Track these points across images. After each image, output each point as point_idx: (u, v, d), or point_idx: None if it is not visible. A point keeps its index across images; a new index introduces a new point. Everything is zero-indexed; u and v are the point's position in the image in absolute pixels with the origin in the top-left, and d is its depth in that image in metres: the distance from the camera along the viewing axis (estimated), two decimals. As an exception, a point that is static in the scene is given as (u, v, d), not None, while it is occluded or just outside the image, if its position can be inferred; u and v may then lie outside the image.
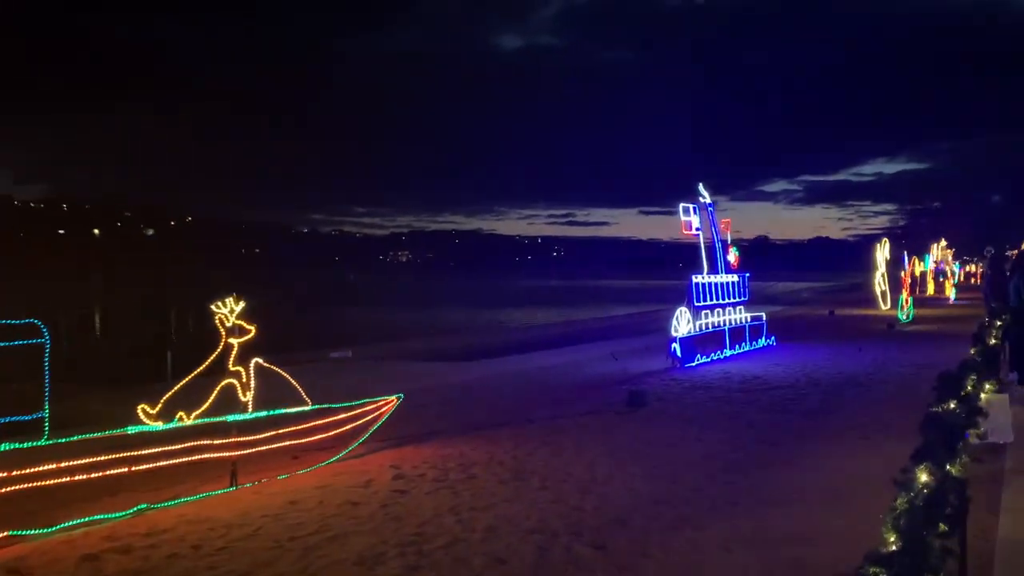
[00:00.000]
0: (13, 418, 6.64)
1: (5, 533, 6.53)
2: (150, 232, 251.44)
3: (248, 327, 8.59)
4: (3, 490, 6.52)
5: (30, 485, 6.71)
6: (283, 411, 8.99)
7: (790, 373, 16.88)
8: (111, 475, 7.30)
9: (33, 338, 6.73)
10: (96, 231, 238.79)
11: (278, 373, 8.92)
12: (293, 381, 9.07)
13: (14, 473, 6.58)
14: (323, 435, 9.38)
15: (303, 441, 9.15)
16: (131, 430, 7.57)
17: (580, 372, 17.68)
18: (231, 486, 8.31)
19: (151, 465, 7.64)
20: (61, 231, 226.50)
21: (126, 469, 7.41)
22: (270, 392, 8.95)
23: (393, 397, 10.34)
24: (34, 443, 6.78)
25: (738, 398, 13.85)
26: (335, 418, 9.50)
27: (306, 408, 9.21)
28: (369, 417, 9.95)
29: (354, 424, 9.73)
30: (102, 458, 7.23)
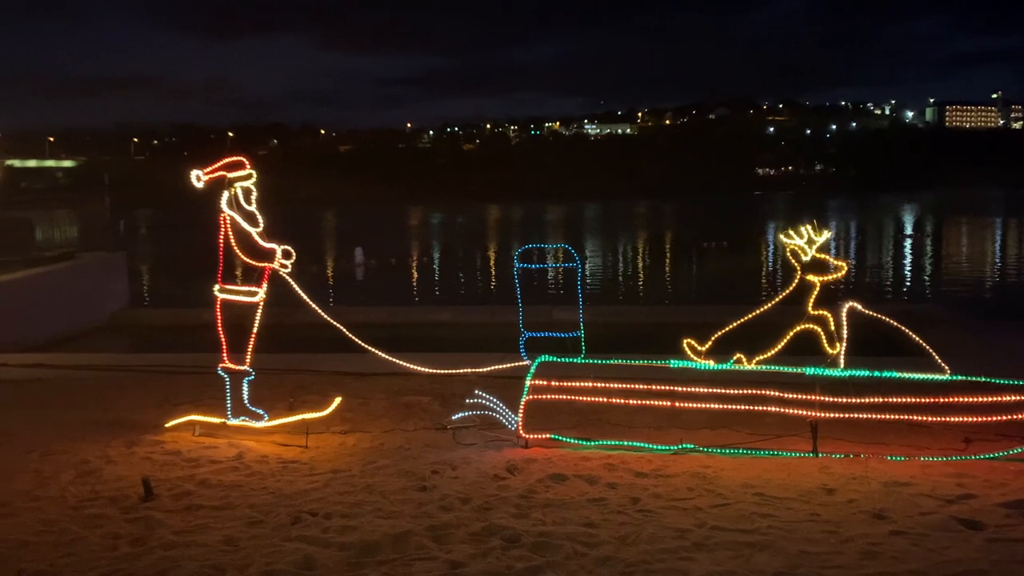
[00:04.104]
0: (550, 334, 7.35)
1: (547, 436, 7.40)
2: None
3: (836, 263, 6.91)
4: (543, 397, 7.36)
5: (565, 397, 7.35)
6: (899, 375, 6.90)
7: None
8: (649, 405, 7.24)
9: (567, 262, 7.22)
10: None
11: (893, 326, 6.90)
12: (918, 339, 6.86)
13: (553, 383, 7.34)
14: (965, 418, 6.80)
15: (929, 419, 6.85)
16: (673, 364, 7.24)
17: None
18: (811, 452, 7.01)
19: (699, 405, 7.20)
20: None
21: (668, 403, 7.21)
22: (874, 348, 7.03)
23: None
24: (569, 359, 7.35)
25: None
26: (993, 399, 6.72)
27: (940, 377, 6.82)
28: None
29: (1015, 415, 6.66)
30: (646, 387, 7.23)
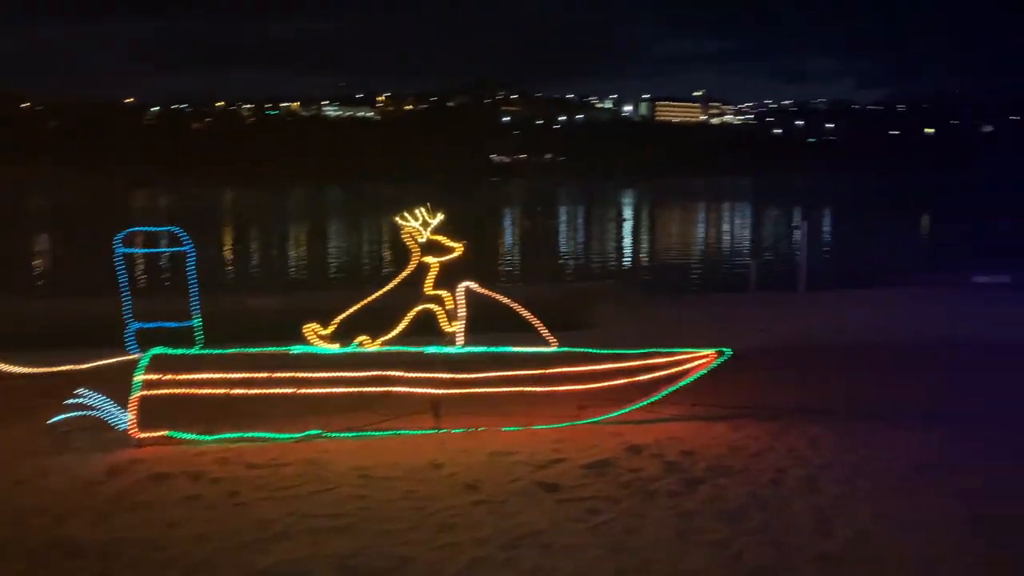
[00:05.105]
0: (162, 324, 6.91)
1: (163, 433, 6.93)
2: (987, 128, 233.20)
3: (451, 244, 7.10)
4: (157, 392, 6.87)
5: (182, 391, 6.92)
6: (511, 349, 7.25)
7: None
8: (273, 394, 7.02)
9: (176, 246, 6.82)
10: (929, 130, 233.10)
11: (505, 304, 7.20)
12: (528, 314, 7.22)
13: (167, 376, 6.88)
14: (570, 387, 7.30)
15: (539, 390, 7.27)
16: (296, 349, 7.09)
17: None
18: (433, 428, 7.16)
19: (324, 390, 7.09)
20: (894, 132, 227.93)
21: (292, 390, 7.03)
22: (506, 326, 7.36)
23: (712, 351, 7.35)
24: (185, 351, 6.95)
25: None
26: (593, 367, 7.25)
27: (548, 350, 7.25)
28: (651, 376, 7.31)
29: (622, 380, 7.28)
30: (269, 375, 6.99)
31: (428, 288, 7.11)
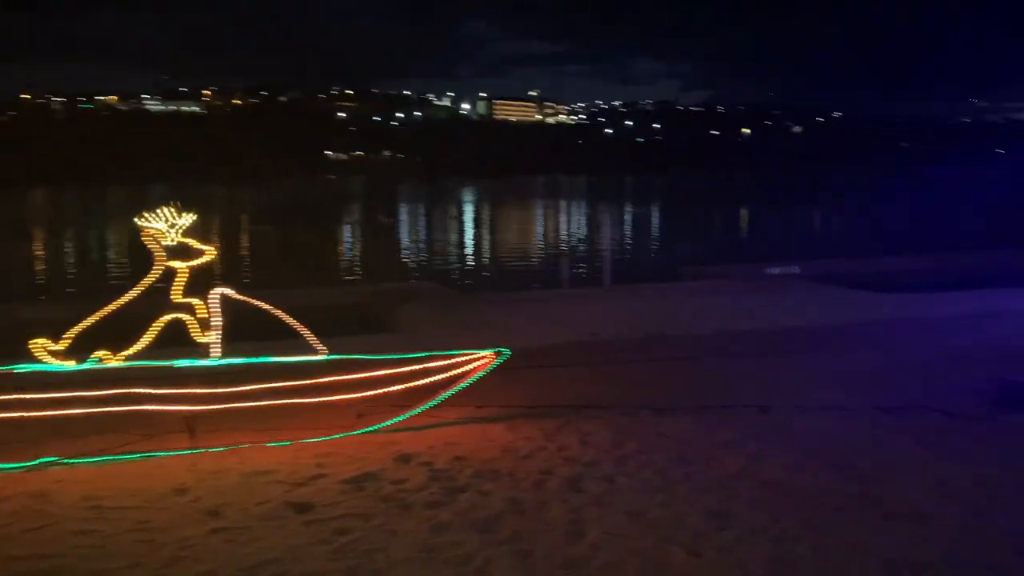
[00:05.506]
0: None
1: None
2: (797, 129, 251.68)
3: (202, 247, 6.55)
4: None
5: None
6: (273, 359, 6.80)
7: None
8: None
9: None
10: (746, 130, 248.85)
11: (265, 310, 6.72)
12: (292, 321, 6.78)
13: None
14: (342, 396, 6.94)
15: (307, 401, 6.86)
16: (19, 369, 6.32)
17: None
18: (189, 448, 6.57)
19: (59, 412, 6.37)
20: (714, 132, 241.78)
21: (17, 415, 6.26)
22: (270, 335, 6.90)
23: (491, 352, 7.19)
24: None
25: None
26: (369, 375, 6.93)
27: (316, 358, 6.84)
28: (429, 380, 7.06)
29: (398, 387, 6.99)
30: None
31: (177, 296, 6.50)
